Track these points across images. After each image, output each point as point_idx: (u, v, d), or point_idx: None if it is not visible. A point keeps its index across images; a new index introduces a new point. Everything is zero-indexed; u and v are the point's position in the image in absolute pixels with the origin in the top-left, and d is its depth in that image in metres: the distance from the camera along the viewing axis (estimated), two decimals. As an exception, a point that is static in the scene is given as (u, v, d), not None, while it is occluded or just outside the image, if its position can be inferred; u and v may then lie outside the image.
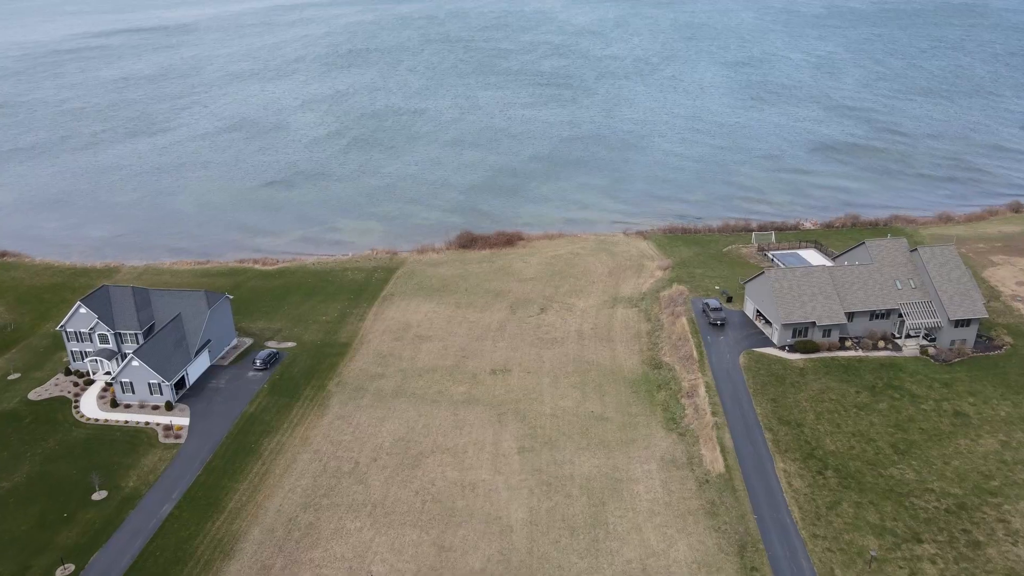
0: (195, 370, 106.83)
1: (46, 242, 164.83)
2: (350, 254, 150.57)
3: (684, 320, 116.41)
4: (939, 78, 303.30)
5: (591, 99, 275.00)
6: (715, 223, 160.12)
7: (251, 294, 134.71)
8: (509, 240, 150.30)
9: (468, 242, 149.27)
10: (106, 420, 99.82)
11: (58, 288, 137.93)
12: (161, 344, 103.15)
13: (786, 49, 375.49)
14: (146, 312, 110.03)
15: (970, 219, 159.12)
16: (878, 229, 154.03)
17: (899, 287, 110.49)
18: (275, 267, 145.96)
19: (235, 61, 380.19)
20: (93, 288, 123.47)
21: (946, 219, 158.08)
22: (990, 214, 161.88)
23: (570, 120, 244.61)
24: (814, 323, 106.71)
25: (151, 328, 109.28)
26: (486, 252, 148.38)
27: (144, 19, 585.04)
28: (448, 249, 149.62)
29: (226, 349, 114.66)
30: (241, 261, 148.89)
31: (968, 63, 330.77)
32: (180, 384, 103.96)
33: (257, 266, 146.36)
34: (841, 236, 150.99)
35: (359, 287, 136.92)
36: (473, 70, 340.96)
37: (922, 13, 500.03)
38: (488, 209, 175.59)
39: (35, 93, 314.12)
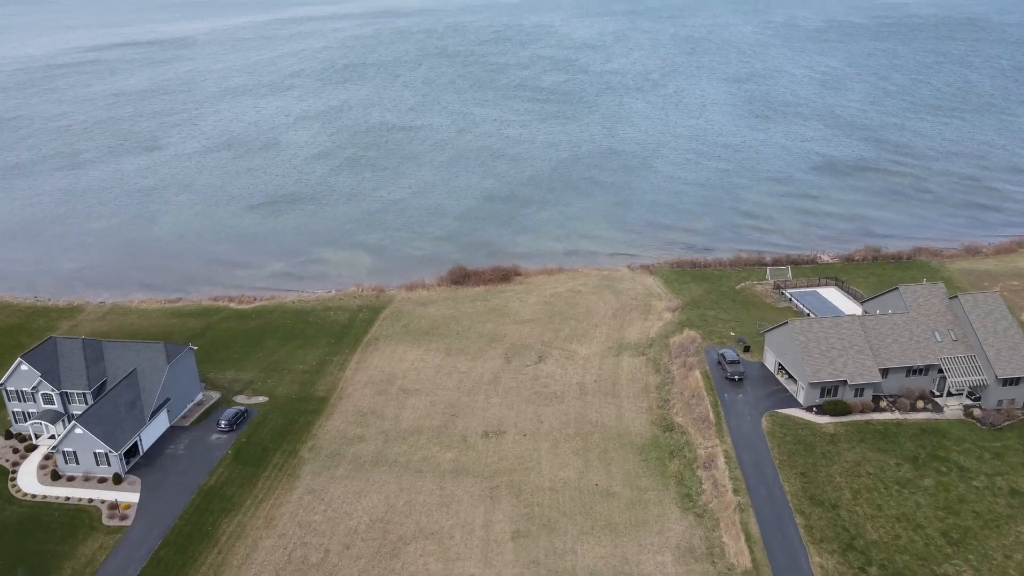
0: (151, 434, 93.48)
1: (8, 276, 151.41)
2: (333, 291, 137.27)
3: (697, 373, 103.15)
4: (946, 94, 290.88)
5: (592, 116, 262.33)
6: (725, 255, 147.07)
7: (223, 337, 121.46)
8: (505, 275, 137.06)
9: (461, 278, 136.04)
10: (44, 496, 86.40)
11: (13, 331, 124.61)
12: (111, 407, 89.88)
13: (788, 64, 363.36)
14: (98, 368, 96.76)
15: (999, 251, 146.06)
16: (901, 263, 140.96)
17: (939, 340, 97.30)
18: (252, 306, 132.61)
19: (229, 76, 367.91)
20: (45, 336, 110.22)
21: (973, 251, 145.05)
22: (1019, 245, 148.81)
23: (570, 139, 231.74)
24: (845, 381, 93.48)
25: (102, 386, 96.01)
26: (480, 289, 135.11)
27: (140, 33, 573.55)
28: (439, 286, 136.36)
29: (189, 406, 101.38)
30: (215, 299, 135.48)
31: (975, 79, 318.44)
32: (133, 451, 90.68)
33: (232, 305, 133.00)
34: (862, 271, 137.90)
35: (342, 329, 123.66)
36: (471, 85, 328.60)
37: (923, 27, 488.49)
38: (484, 238, 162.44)
39: (21, 110, 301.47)
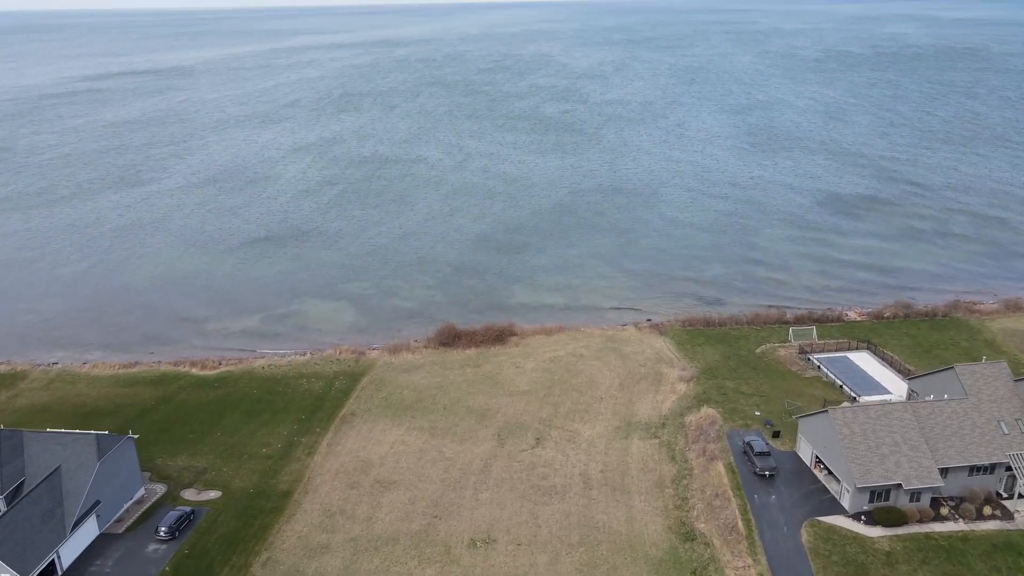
0: (73, 548, 77.00)
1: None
2: (308, 353, 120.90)
3: (720, 466, 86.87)
4: (955, 126, 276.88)
5: (592, 150, 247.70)
6: (741, 310, 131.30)
7: (180, 412, 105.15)
8: (499, 336, 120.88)
9: (450, 339, 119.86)
10: (-65, 634, 69.89)
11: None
12: (23, 519, 73.52)
13: (789, 94, 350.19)
14: (15, 465, 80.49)
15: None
16: (936, 322, 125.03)
17: (1006, 432, 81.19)
18: (216, 372, 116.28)
19: (223, 107, 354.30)
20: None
21: (1014, 307, 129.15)
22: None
23: (569, 175, 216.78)
24: (899, 485, 77.22)
25: (19, 487, 79.68)
26: (471, 352, 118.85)
27: (139, 62, 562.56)
28: (426, 348, 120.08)
29: (126, 506, 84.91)
30: (177, 363, 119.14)
31: (983, 110, 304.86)
32: (49, 571, 74.17)
33: (194, 370, 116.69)
34: (894, 331, 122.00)
35: (315, 401, 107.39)
36: (468, 115, 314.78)
37: (923, 57, 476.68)
38: (477, 288, 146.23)
39: (6, 143, 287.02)
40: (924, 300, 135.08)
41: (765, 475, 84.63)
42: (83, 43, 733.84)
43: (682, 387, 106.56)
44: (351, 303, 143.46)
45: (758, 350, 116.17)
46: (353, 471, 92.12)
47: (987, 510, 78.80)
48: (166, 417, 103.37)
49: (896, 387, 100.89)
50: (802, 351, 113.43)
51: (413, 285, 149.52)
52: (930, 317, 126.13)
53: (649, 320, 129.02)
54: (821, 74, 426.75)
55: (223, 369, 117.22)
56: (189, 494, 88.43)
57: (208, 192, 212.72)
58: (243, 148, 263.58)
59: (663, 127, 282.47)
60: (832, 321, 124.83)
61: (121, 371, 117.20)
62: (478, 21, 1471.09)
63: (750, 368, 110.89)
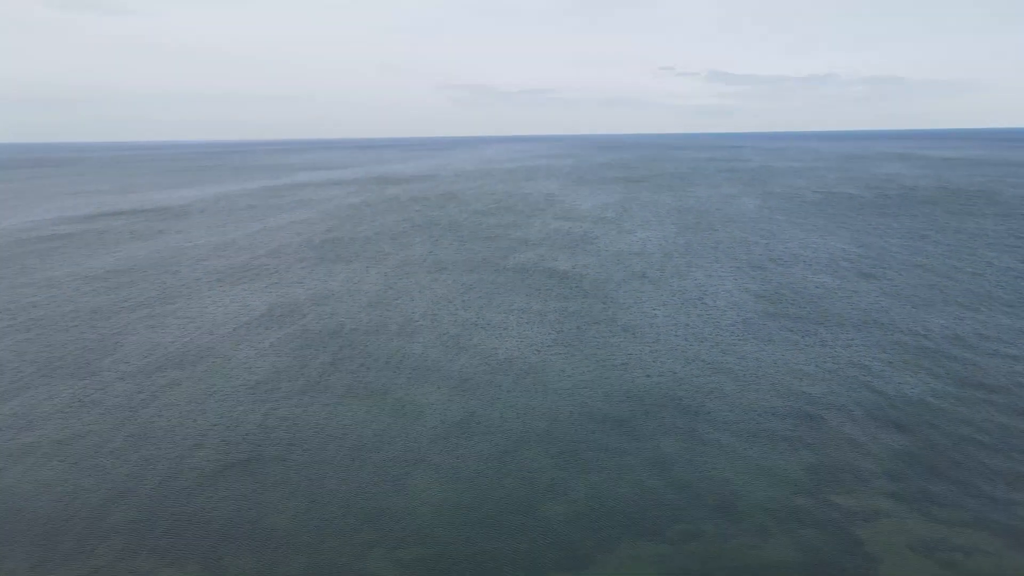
0: None
1: None
2: None
3: None
4: (1006, 288, 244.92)
5: (615, 325, 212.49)
6: None
7: None
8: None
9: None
10: None
11: None
12: None
13: (806, 247, 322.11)
14: None
15: None
16: None
17: None
18: None
19: (201, 258, 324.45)
20: None
21: None
22: None
23: (585, 372, 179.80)
24: None
25: None
26: None
27: (138, 201, 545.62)
28: None
29: None
30: None
31: (1021, 267, 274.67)
32: None
33: None
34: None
35: None
36: (465, 268, 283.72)
37: (934, 201, 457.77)
38: None
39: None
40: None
41: None
42: (93, 180, 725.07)
43: None
44: None
45: None
46: None
47: None
48: None
49: None
50: None
51: None
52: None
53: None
54: (830, 220, 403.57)
55: None
56: None
57: (115, 400, 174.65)
58: (199, 319, 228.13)
59: (683, 292, 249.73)
60: None
61: None
62: (474, 156, 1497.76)
63: None
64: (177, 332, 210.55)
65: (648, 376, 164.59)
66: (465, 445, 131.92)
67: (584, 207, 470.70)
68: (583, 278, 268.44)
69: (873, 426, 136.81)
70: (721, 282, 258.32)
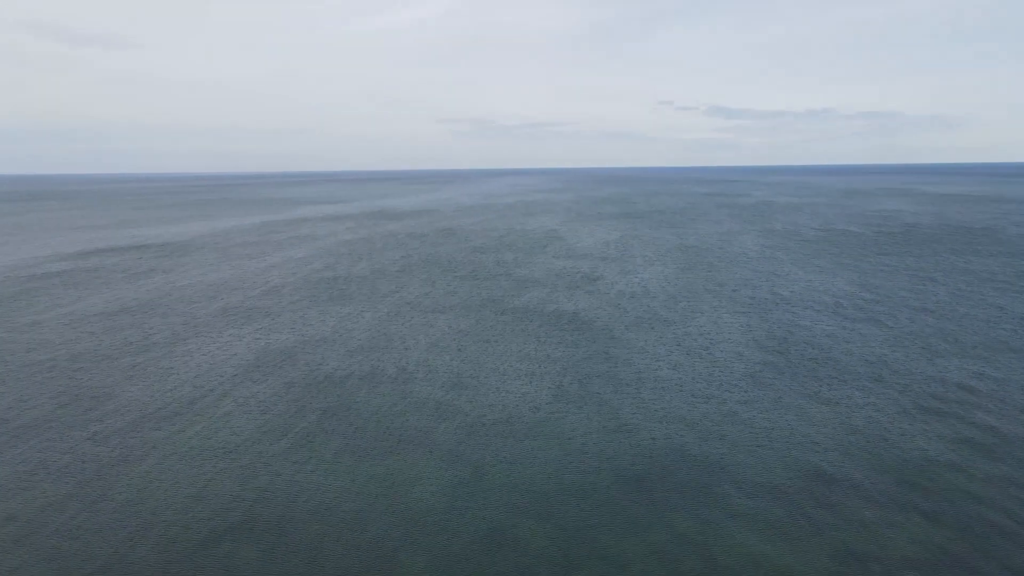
0: None
1: None
2: None
3: None
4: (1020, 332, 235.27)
5: (620, 380, 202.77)
6: None
7: None
8: None
9: None
10: None
11: None
12: None
13: (811, 288, 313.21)
14: None
15: None
16: None
17: None
18: None
19: (193, 299, 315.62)
20: None
21: None
22: None
23: (596, 433, 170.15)
24: None
25: None
26: None
27: (140, 236, 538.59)
28: None
29: None
30: None
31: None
32: None
33: None
34: None
35: None
36: (462, 310, 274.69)
37: (937, 240, 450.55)
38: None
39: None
40: None
41: None
42: (99, 214, 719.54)
43: None
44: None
45: None
46: None
47: None
48: None
49: None
50: None
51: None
52: None
53: None
54: (832, 259, 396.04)
55: None
56: None
57: (109, 457, 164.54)
58: (188, 368, 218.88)
59: (688, 340, 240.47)
60: None
61: None
62: (474, 190, 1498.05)
63: None
64: (158, 386, 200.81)
65: (653, 439, 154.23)
66: (457, 521, 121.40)
67: (585, 244, 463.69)
68: (585, 324, 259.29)
69: (895, 508, 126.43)
70: (727, 330, 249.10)
